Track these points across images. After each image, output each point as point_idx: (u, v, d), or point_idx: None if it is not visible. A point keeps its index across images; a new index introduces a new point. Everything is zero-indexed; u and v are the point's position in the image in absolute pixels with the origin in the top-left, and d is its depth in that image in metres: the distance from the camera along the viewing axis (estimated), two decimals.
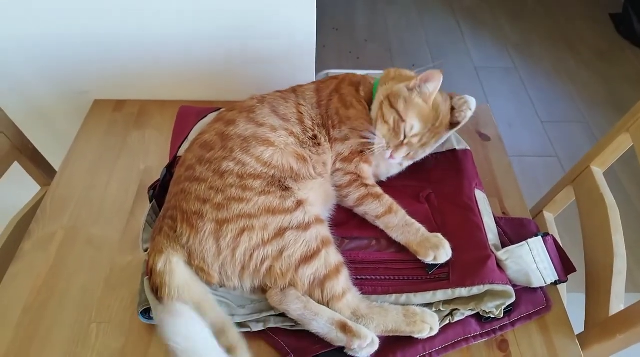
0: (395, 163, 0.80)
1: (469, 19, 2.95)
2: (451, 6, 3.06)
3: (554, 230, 1.01)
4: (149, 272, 0.67)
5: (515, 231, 0.80)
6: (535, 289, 0.73)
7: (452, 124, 0.80)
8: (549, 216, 1.03)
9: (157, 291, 0.65)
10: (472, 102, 0.80)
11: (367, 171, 0.80)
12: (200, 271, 0.67)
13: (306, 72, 1.10)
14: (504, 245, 0.76)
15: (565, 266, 0.74)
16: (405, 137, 0.77)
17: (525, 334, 0.70)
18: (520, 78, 2.56)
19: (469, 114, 0.79)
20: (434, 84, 0.75)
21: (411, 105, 0.76)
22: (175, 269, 0.65)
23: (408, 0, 3.13)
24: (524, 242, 0.73)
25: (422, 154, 0.81)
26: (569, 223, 1.10)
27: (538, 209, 1.05)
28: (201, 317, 0.62)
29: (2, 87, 1.05)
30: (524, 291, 0.72)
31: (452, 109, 0.80)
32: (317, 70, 1.14)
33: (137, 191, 0.90)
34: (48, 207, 0.87)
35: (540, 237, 0.74)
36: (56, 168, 1.11)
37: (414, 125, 0.76)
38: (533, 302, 0.72)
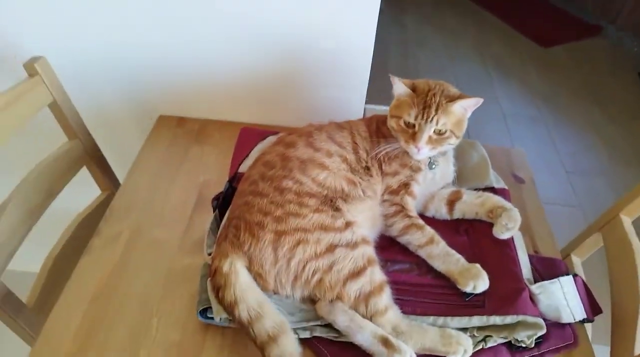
0: (425, 154, 0.83)
1: (498, 66, 3.04)
2: (481, 53, 3.17)
3: (580, 273, 1.04)
4: (213, 273, 0.74)
5: (546, 269, 0.85)
6: (563, 325, 0.77)
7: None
8: (576, 260, 1.06)
9: (218, 290, 0.72)
10: (514, 220, 0.83)
11: (411, 203, 0.86)
12: (258, 277, 0.74)
13: (356, 98, 1.17)
14: (535, 281, 0.80)
15: (592, 307, 0.79)
16: (412, 124, 0.81)
17: None
18: (546, 127, 2.61)
19: (506, 235, 0.84)
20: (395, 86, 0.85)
21: (398, 102, 0.85)
22: (240, 270, 0.72)
23: (439, 44, 3.25)
24: (555, 280, 0.79)
25: (447, 140, 0.83)
26: (595, 269, 1.14)
27: (566, 252, 1.09)
28: (262, 317, 0.68)
29: (82, 96, 1.11)
30: (554, 326, 0.76)
31: (490, 211, 0.86)
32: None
33: (196, 200, 0.97)
34: (115, 209, 0.95)
35: (571, 276, 0.80)
36: (118, 176, 1.21)
37: (410, 113, 0.82)
38: (562, 337, 0.75)
